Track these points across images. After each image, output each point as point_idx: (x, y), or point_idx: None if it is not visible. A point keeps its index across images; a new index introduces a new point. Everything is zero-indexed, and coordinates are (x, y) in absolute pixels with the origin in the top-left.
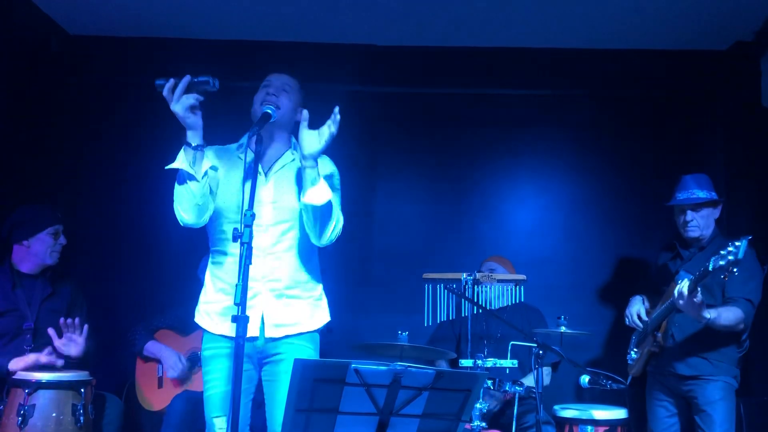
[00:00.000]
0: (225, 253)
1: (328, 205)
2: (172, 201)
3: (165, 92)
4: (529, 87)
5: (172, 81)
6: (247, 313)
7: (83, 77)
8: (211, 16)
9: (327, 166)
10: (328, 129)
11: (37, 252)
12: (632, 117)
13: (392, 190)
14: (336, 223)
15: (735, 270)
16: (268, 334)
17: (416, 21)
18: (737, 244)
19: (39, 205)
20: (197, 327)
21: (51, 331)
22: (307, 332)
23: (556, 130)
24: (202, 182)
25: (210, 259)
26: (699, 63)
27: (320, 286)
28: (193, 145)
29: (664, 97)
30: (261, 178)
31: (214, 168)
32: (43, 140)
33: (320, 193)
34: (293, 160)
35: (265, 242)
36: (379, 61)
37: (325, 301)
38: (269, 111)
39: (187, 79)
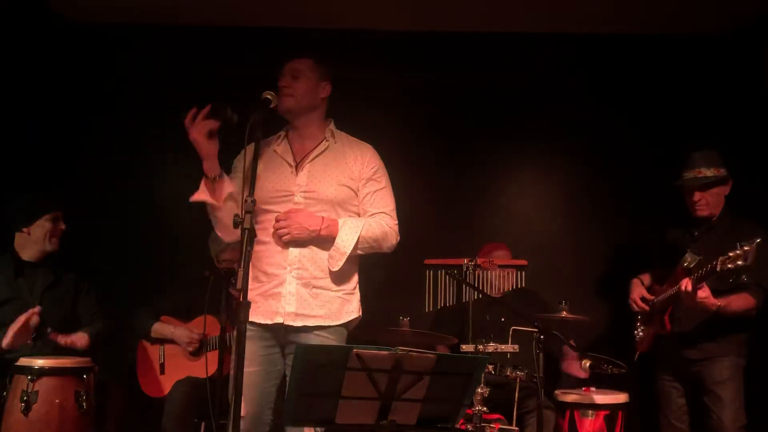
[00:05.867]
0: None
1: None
2: (174, 189)
3: (186, 122)
4: (529, 72)
5: (194, 110)
6: (274, 300)
7: (83, 64)
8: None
9: (372, 159)
10: None
11: (37, 238)
12: (634, 102)
13: (393, 176)
14: (384, 237)
15: (744, 277)
16: (291, 321)
17: (412, 5)
18: (746, 248)
19: (38, 191)
20: (199, 313)
21: (54, 334)
22: (333, 325)
23: (557, 115)
24: (226, 207)
25: None
26: (701, 48)
27: (354, 280)
28: (210, 177)
29: (666, 82)
30: (291, 169)
31: (232, 193)
32: (46, 127)
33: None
34: (327, 148)
35: None
36: (376, 46)
37: (357, 296)
38: (268, 98)
39: (208, 107)
